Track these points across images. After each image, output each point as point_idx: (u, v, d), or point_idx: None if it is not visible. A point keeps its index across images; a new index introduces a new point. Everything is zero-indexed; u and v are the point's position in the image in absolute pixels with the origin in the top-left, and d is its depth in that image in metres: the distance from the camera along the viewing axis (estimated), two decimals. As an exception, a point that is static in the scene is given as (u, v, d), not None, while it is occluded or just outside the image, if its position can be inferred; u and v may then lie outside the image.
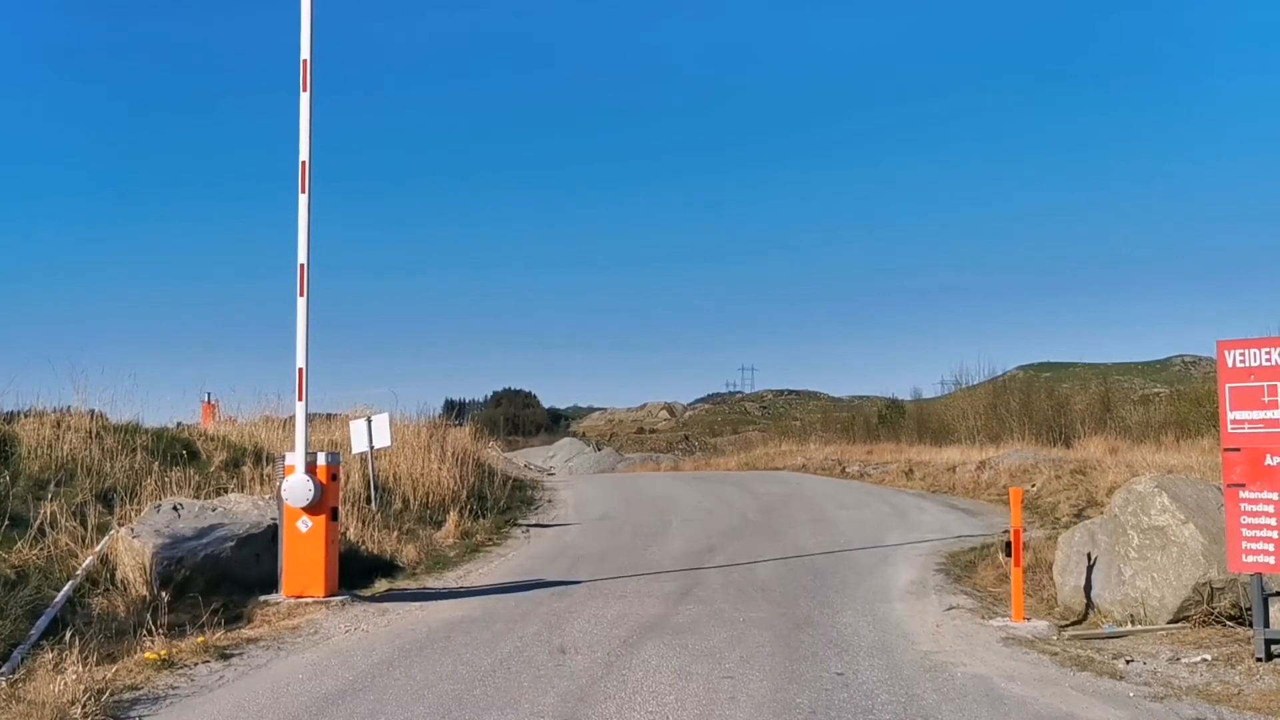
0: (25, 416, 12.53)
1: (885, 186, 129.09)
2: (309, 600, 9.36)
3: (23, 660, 7.02)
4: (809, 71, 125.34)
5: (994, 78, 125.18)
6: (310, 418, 17.86)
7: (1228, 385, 7.35)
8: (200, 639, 7.77)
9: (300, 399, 9.75)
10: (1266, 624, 7.05)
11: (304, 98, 9.79)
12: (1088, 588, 8.83)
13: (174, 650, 7.43)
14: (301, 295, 9.64)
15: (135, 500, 11.15)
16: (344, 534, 11.51)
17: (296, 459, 9.52)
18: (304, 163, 9.72)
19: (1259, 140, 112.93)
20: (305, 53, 9.81)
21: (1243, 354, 7.32)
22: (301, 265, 9.65)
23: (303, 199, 9.70)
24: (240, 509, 10.60)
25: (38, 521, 9.68)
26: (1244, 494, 7.20)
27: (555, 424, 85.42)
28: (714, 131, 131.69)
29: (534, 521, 16.97)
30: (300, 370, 9.68)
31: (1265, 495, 7.11)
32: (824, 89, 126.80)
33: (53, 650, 6.94)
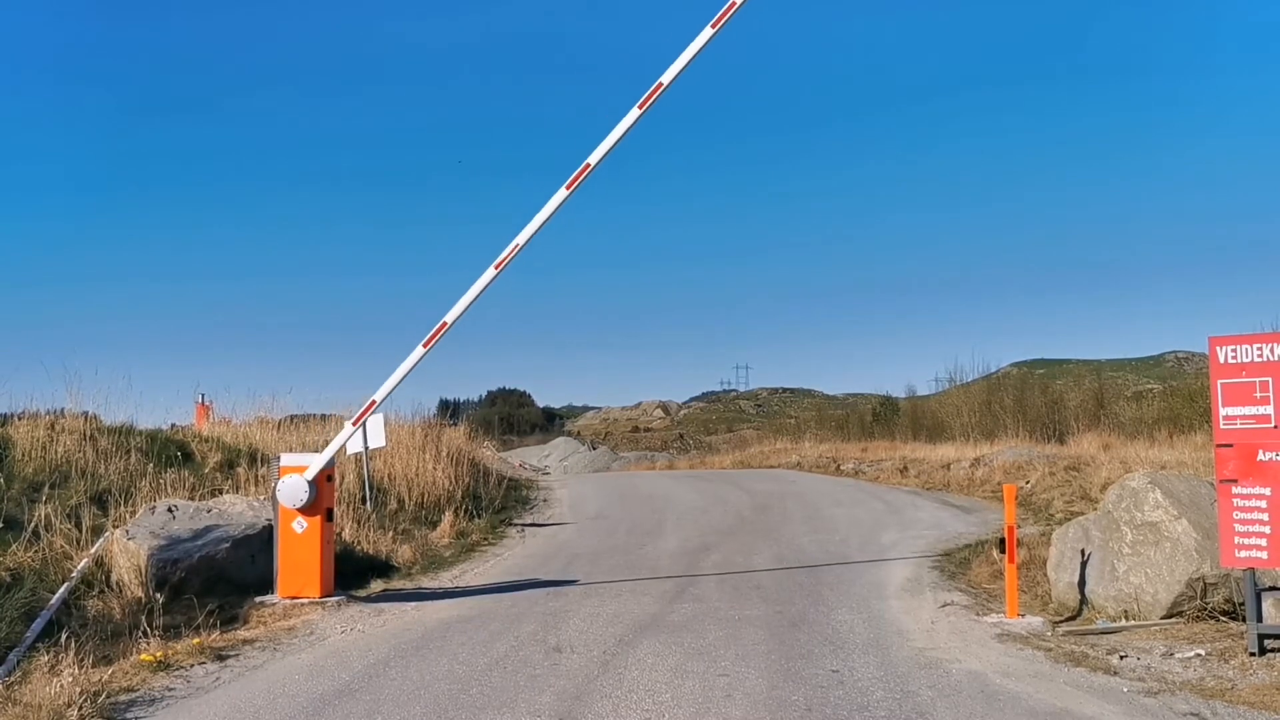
0: (19, 418, 12.49)
1: (879, 185, 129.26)
2: (305, 601, 9.36)
3: (18, 663, 7.00)
4: (805, 71, 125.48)
5: (987, 77, 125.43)
6: (306, 418, 18.00)
7: (1220, 381, 7.38)
8: (196, 640, 7.76)
9: (355, 424, 10.28)
10: (1259, 619, 7.08)
11: (562, 193, 9.65)
12: (1082, 584, 8.86)
13: (170, 652, 7.42)
14: (425, 347, 9.80)
15: (130, 502, 11.13)
16: (339, 534, 11.51)
17: (316, 462, 9.62)
18: (517, 245, 9.69)
19: (1251, 137, 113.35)
20: (594, 158, 9.65)
21: (1234, 350, 7.35)
22: (445, 323, 9.78)
23: (492, 272, 9.72)
24: (235, 510, 10.59)
25: (32, 524, 9.65)
26: (1236, 489, 7.23)
27: (550, 423, 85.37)
28: (709, 131, 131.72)
29: (529, 521, 16.98)
30: (373, 402, 10.12)
31: (1257, 490, 7.14)
32: (819, 89, 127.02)
33: (48, 653, 6.92)
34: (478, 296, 9.80)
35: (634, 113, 9.61)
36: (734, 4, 9.40)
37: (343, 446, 10.67)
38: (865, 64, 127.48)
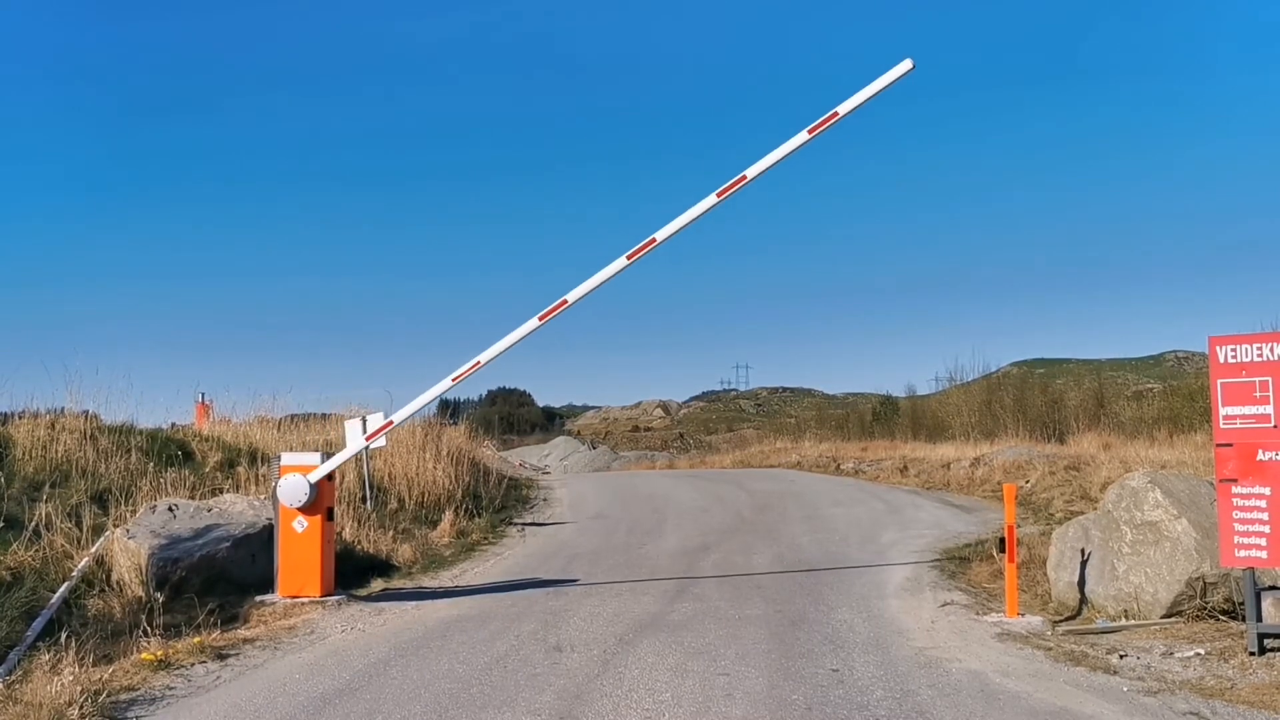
0: (19, 418, 12.49)
1: (879, 185, 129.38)
2: (305, 600, 9.37)
3: (19, 662, 7.01)
4: (804, 71, 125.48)
5: (987, 77, 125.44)
6: (306, 417, 18.02)
7: (1220, 381, 7.39)
8: (197, 639, 7.77)
9: (367, 439, 10.43)
10: (1259, 618, 7.09)
11: (621, 261, 9.74)
12: (1081, 583, 8.86)
13: (170, 651, 7.43)
14: (453, 381, 10.06)
15: (130, 501, 11.13)
16: (339, 534, 11.51)
17: (323, 468, 9.65)
18: (566, 302, 9.85)
19: (1251, 137, 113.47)
20: (661, 235, 9.70)
21: (1234, 350, 7.36)
22: (478, 362, 10.01)
23: (535, 323, 9.91)
24: (236, 509, 10.60)
25: (33, 523, 9.65)
26: (1236, 489, 7.23)
27: (550, 423, 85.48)
28: (708, 130, 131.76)
29: (529, 520, 16.98)
30: (390, 422, 10.39)
31: (1257, 490, 7.15)
32: (817, 89, 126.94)
33: (49, 652, 6.93)
34: (515, 343, 9.98)
35: (711, 199, 9.65)
36: (836, 115, 9.46)
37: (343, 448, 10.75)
38: (864, 64, 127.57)
